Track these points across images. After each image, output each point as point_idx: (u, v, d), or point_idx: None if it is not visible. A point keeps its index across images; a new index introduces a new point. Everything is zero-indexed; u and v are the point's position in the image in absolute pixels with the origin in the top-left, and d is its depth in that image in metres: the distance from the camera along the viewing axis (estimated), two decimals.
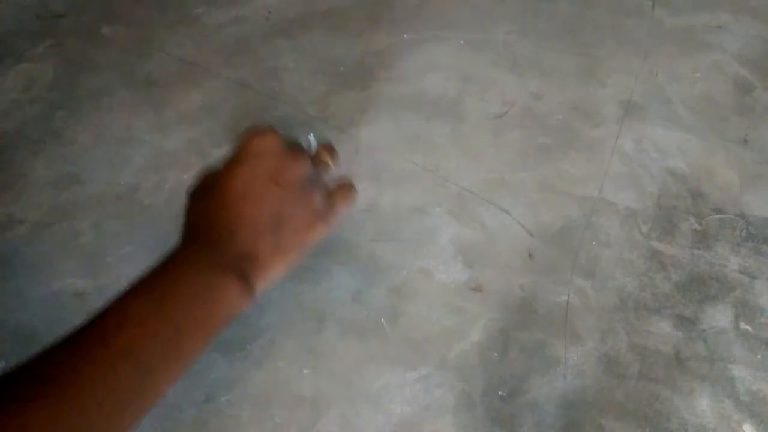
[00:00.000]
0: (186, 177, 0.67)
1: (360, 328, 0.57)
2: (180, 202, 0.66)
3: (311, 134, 0.48)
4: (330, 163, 0.48)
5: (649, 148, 0.67)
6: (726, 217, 0.63)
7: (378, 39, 0.76)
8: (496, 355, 0.55)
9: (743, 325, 0.56)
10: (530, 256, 0.61)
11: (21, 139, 0.70)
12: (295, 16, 0.79)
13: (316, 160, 0.46)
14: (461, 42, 0.76)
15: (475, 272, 0.60)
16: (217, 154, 0.68)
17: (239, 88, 0.73)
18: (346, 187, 0.47)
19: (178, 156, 0.68)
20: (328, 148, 0.48)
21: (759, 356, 0.55)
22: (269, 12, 0.80)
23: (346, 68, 0.74)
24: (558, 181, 0.65)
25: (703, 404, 0.53)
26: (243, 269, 0.37)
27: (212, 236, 0.38)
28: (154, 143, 0.69)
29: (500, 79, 0.73)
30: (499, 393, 0.53)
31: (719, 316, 0.57)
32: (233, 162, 0.41)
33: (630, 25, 0.77)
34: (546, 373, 0.54)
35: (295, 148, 0.43)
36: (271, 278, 0.39)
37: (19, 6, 0.82)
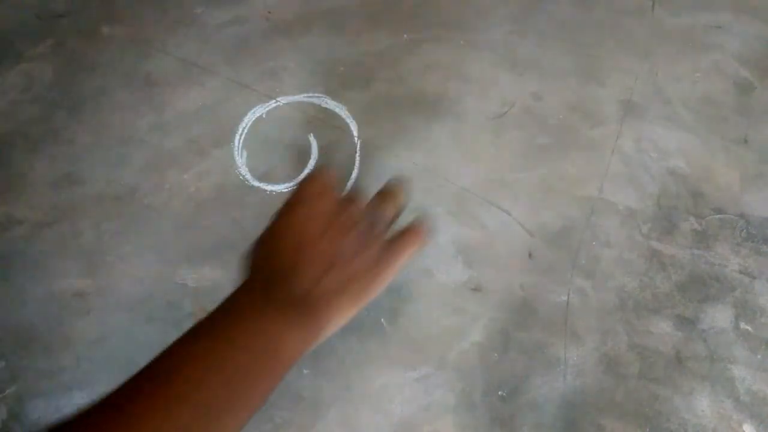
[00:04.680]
0: (186, 177, 0.67)
1: (360, 328, 0.57)
2: (180, 201, 0.66)
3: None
4: (391, 208, 0.46)
5: (649, 148, 0.67)
6: (726, 217, 0.63)
7: (378, 39, 0.76)
8: (496, 355, 0.55)
9: (743, 325, 0.56)
10: (530, 256, 0.61)
11: (21, 139, 0.70)
12: (295, 16, 0.79)
13: (375, 205, 0.45)
14: (461, 42, 0.76)
15: (475, 272, 0.60)
16: (217, 154, 0.68)
17: (239, 88, 0.73)
18: (410, 233, 0.45)
19: (178, 156, 0.68)
20: (393, 191, 0.47)
21: (759, 356, 0.55)
22: (269, 12, 0.80)
23: (346, 68, 0.74)
24: (558, 181, 0.65)
25: (703, 404, 0.53)
26: (304, 311, 0.37)
27: (272, 278, 0.38)
28: (154, 143, 0.69)
29: (500, 79, 0.73)
30: (499, 393, 0.53)
31: (719, 316, 0.57)
32: (290, 205, 0.42)
33: (630, 25, 0.77)
34: (546, 373, 0.54)
35: (352, 193, 0.43)
36: (334, 319, 0.39)
37: (19, 6, 0.82)
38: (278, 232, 0.41)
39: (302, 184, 0.42)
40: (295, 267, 0.38)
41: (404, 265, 0.44)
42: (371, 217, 0.43)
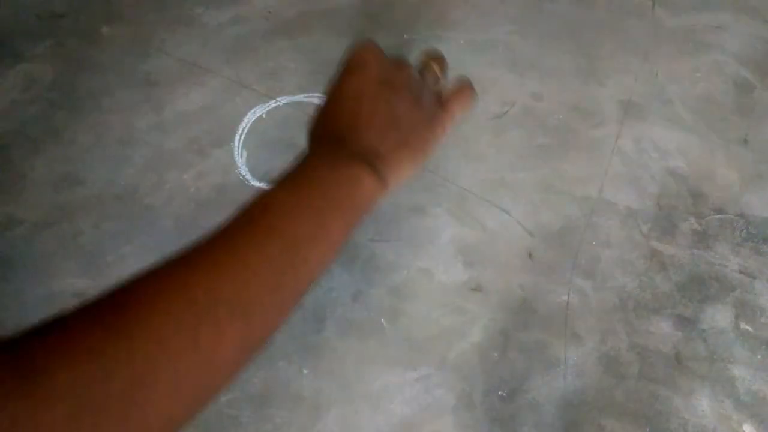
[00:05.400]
0: (186, 177, 0.67)
1: (360, 328, 0.57)
2: (180, 201, 0.66)
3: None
4: (437, 71, 0.48)
5: (649, 148, 0.67)
6: (726, 217, 0.63)
7: (378, 39, 0.76)
8: (496, 355, 0.55)
9: (743, 325, 0.56)
10: (530, 256, 0.61)
11: (21, 139, 0.70)
12: (295, 16, 0.79)
13: (423, 68, 0.48)
14: (461, 42, 0.76)
15: (475, 272, 0.60)
16: (217, 154, 0.68)
17: (239, 88, 0.73)
18: (460, 90, 0.48)
19: (178, 156, 0.68)
20: (436, 57, 0.49)
21: (759, 356, 0.55)
22: (269, 12, 0.80)
23: None
24: (558, 181, 0.65)
25: (703, 404, 0.53)
26: (372, 162, 0.38)
27: (336, 140, 0.40)
28: (154, 143, 0.69)
29: (500, 79, 0.73)
30: (499, 393, 0.53)
31: (719, 316, 0.57)
32: (342, 74, 0.43)
33: (630, 25, 0.77)
34: (546, 373, 0.54)
35: (399, 57, 0.45)
36: (399, 173, 0.41)
37: (19, 6, 0.82)
38: (335, 99, 0.42)
39: (350, 54, 0.44)
40: (355, 128, 0.40)
41: (457, 123, 0.47)
42: (422, 77, 0.45)
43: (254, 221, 0.33)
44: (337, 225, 0.36)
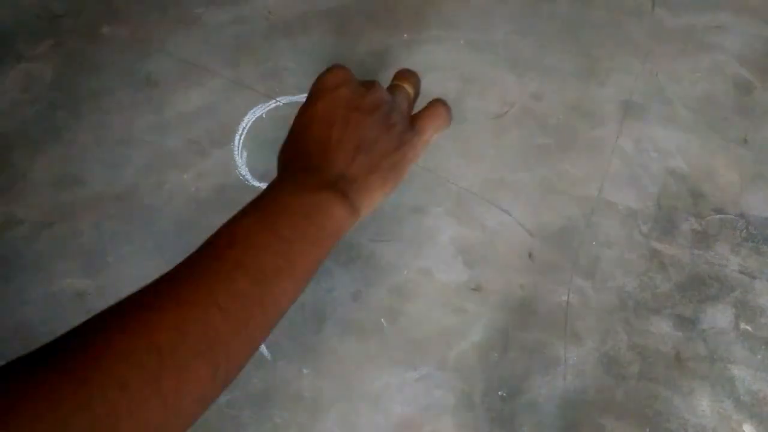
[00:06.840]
0: (186, 177, 0.67)
1: (360, 328, 0.57)
2: (180, 202, 0.66)
3: None
4: (409, 90, 0.48)
5: (649, 148, 0.67)
6: (726, 217, 0.63)
7: (378, 39, 0.76)
8: (496, 355, 0.55)
9: (743, 325, 0.56)
10: (530, 256, 0.61)
11: (21, 139, 0.70)
12: (295, 16, 0.79)
13: (394, 89, 0.47)
14: (461, 42, 0.76)
15: (475, 272, 0.60)
16: (217, 154, 0.68)
17: (239, 88, 0.73)
18: (433, 109, 0.47)
19: (178, 156, 0.68)
20: (408, 77, 0.48)
21: (759, 356, 0.55)
22: (269, 12, 0.80)
23: None
24: (558, 181, 0.65)
25: (703, 404, 0.53)
26: (343, 188, 0.38)
27: (305, 166, 0.39)
28: (154, 143, 0.69)
29: (500, 79, 0.73)
30: (499, 393, 0.53)
31: (719, 316, 0.57)
32: (311, 98, 0.43)
33: (630, 25, 0.77)
34: (546, 373, 0.54)
35: (369, 80, 0.45)
36: (370, 199, 0.40)
37: (19, 6, 0.82)
38: (304, 124, 0.42)
39: (319, 78, 0.43)
40: (324, 154, 0.39)
41: (430, 142, 0.46)
42: (392, 98, 0.45)
43: (221, 256, 0.32)
44: (305, 257, 0.35)
